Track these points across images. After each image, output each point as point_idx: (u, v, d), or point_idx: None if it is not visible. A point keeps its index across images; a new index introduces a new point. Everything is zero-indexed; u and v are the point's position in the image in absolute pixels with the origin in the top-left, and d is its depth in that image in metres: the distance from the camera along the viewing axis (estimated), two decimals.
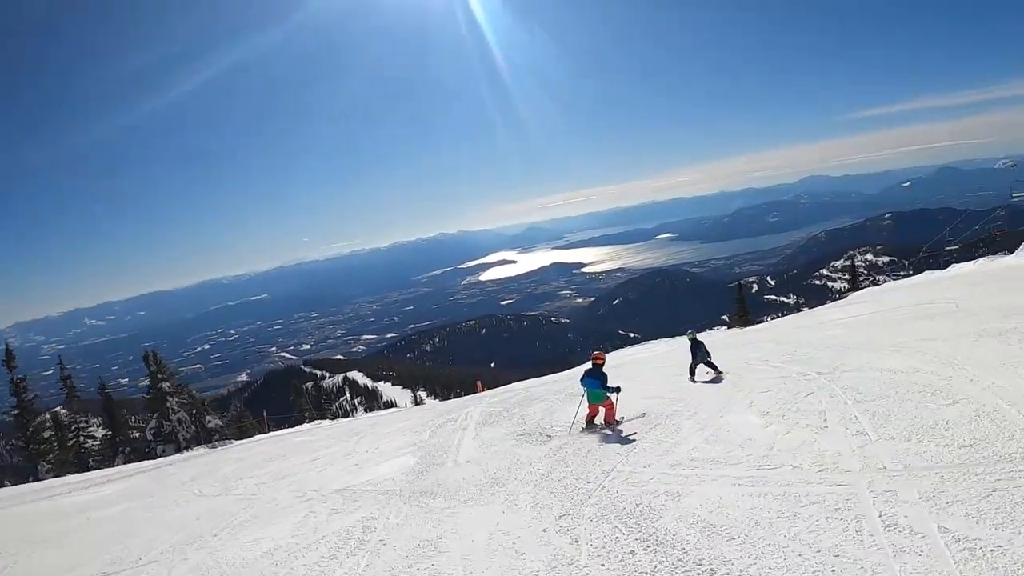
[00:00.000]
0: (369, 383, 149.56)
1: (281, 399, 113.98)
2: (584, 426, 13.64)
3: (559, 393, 19.18)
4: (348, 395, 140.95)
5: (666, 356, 27.70)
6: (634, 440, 11.91)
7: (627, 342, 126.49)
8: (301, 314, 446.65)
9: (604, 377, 13.45)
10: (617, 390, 13.36)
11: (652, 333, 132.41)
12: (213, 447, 31.81)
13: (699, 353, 16.73)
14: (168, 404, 36.73)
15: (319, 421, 41.41)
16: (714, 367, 16.53)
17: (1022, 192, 37.23)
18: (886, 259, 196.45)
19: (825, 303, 58.15)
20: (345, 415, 74.13)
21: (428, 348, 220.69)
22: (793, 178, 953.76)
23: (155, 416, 37.18)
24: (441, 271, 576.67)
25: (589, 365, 14.40)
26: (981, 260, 34.36)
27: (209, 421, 37.96)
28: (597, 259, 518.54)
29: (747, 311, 64.08)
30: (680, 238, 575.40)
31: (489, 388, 40.68)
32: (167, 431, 36.44)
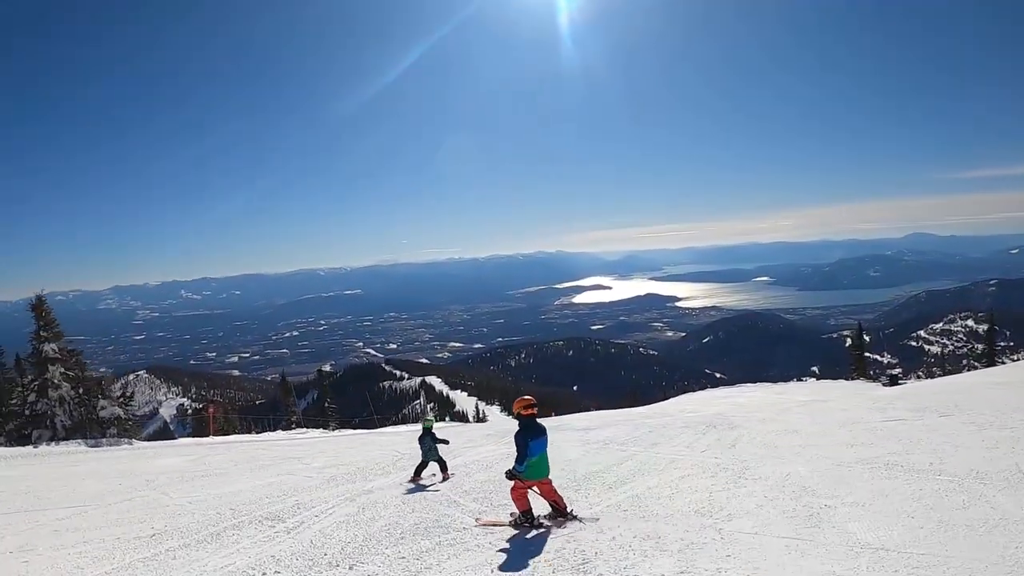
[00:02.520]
0: (446, 390, 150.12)
1: (358, 394, 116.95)
2: (518, 528, 8.80)
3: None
4: (423, 399, 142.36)
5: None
6: None
7: (713, 382, 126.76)
8: (392, 314, 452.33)
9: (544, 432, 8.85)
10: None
11: (739, 376, 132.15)
12: (96, 443, 25.30)
13: (425, 444, 13.34)
14: (47, 375, 28.16)
15: (303, 430, 36.09)
16: (444, 466, 13.43)
17: None
18: (987, 327, 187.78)
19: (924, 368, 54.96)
20: (416, 420, 74.88)
21: (512, 363, 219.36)
22: (898, 232, 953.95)
23: (34, 388, 28.42)
24: (536, 288, 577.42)
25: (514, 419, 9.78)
26: None
27: (102, 407, 29.10)
28: (692, 295, 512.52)
29: (864, 362, 58.50)
30: (778, 283, 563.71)
31: (559, 413, 40.49)
32: (41, 411, 28.00)
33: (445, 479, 13.03)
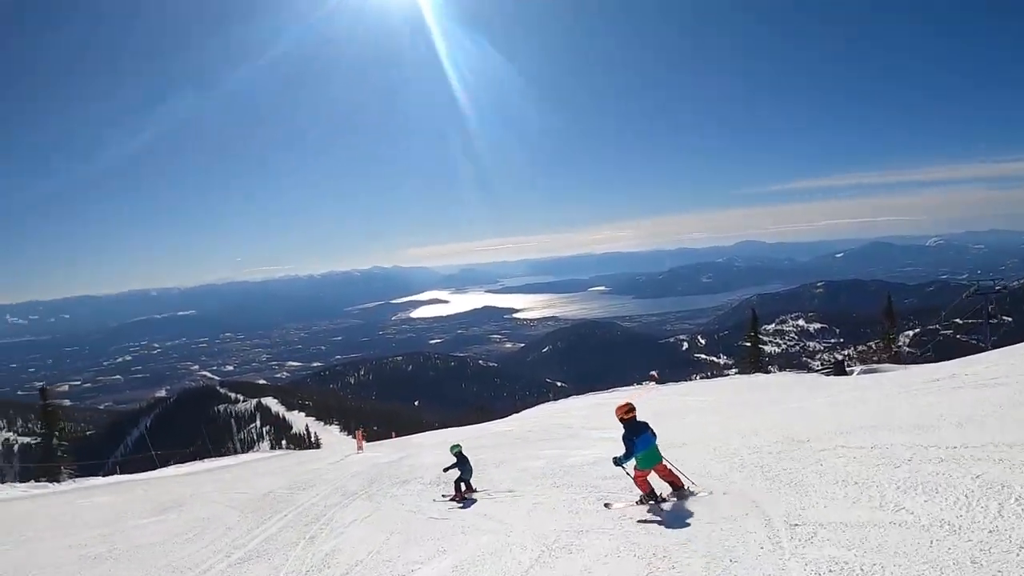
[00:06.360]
0: (282, 411, 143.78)
1: (190, 420, 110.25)
2: (646, 505, 9.57)
3: None
4: (258, 422, 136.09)
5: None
6: None
7: (554, 391, 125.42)
8: (228, 334, 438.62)
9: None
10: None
11: (580, 383, 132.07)
12: None
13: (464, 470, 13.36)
14: None
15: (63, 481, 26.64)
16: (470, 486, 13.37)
17: None
18: (817, 326, 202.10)
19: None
20: (251, 446, 68.12)
21: (352, 381, 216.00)
22: (728, 241, 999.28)
23: None
24: (373, 304, 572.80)
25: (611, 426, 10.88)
26: None
27: None
28: (530, 306, 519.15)
29: (760, 355, 55.10)
30: (614, 292, 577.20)
31: (401, 434, 33.89)
32: None
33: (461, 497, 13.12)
